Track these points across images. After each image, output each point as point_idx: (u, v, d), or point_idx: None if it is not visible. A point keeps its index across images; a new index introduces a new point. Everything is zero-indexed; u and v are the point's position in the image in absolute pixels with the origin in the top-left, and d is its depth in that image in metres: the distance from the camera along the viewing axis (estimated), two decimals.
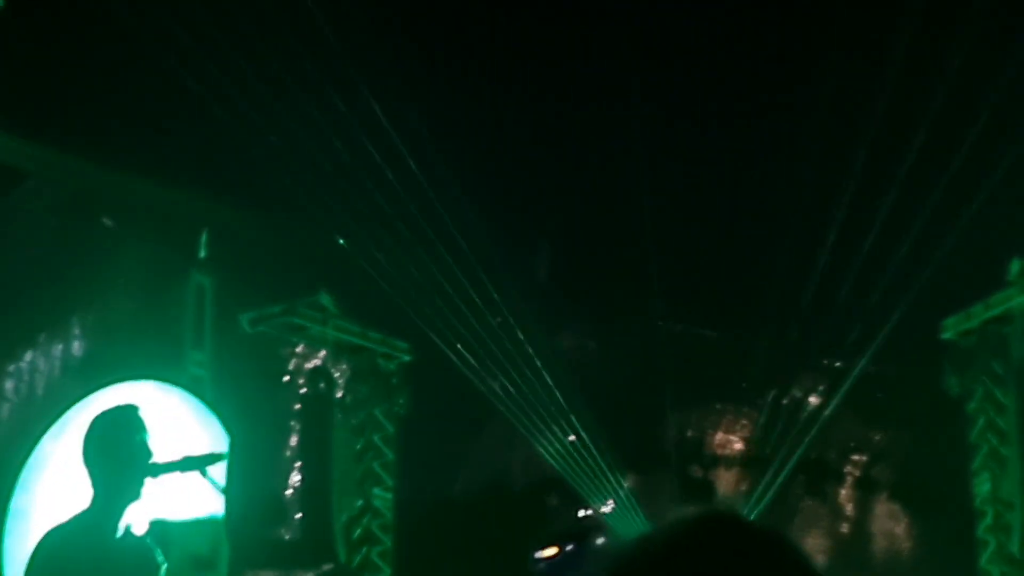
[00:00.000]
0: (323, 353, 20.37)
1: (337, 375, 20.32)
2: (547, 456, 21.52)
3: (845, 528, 26.28)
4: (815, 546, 26.83)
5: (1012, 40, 16.26)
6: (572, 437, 22.19)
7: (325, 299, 19.52)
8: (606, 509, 24.00)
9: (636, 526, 21.82)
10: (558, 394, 20.48)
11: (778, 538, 1.41)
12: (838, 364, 21.03)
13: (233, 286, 18.14)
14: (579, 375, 22.46)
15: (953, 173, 17.35)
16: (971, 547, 19.02)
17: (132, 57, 15.69)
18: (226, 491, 15.80)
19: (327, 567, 19.81)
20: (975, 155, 17.16)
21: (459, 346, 19.59)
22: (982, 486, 19.07)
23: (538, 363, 20.03)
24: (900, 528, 25.87)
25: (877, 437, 25.61)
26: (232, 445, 15.93)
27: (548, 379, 20.15)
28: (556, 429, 21.56)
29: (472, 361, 19.86)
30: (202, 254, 17.54)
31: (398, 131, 17.39)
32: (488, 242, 20.11)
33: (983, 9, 15.86)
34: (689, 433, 25.25)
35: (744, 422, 25.99)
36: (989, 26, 16.07)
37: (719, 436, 25.99)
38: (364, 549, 19.76)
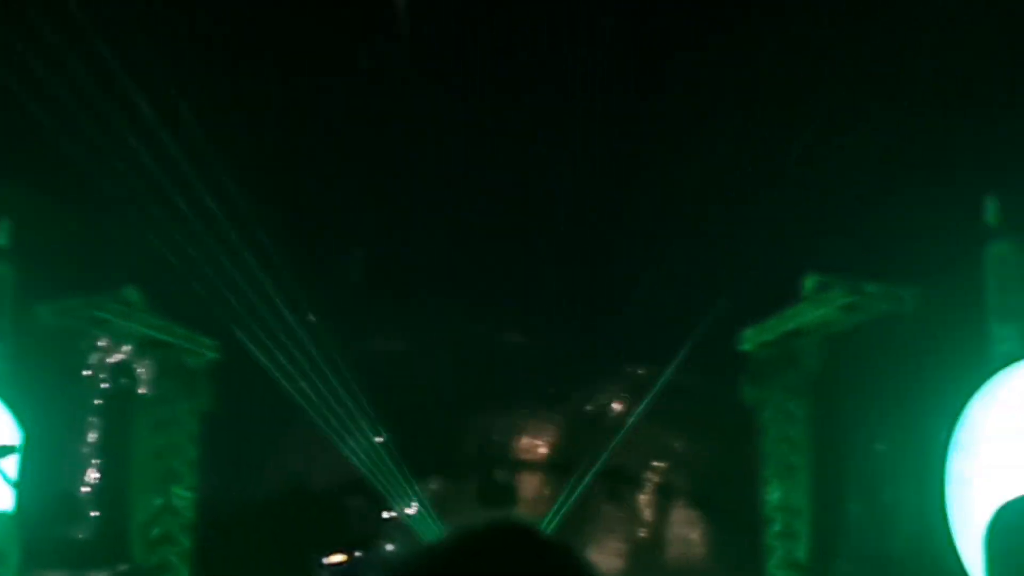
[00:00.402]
0: (127, 348, 19.84)
1: (140, 371, 19.81)
2: (353, 458, 21.43)
3: (643, 533, 26.93)
4: (614, 550, 27.40)
5: (803, 62, 16.93)
6: (379, 439, 22.16)
7: (131, 293, 19.02)
8: (410, 511, 24.04)
9: (436, 530, 21.94)
10: (365, 397, 20.42)
11: (566, 550, 1.41)
12: (641, 372, 21.55)
13: (35, 277, 17.51)
14: (387, 378, 22.46)
15: (754, 192, 18.00)
16: (760, 553, 19.68)
17: None
18: (18, 486, 15.25)
19: (122, 567, 19.27)
20: (774, 177, 17.83)
21: (267, 345, 19.37)
22: (772, 494, 19.72)
23: (346, 364, 19.94)
24: (695, 534, 26.65)
25: (677, 445, 26.35)
26: (26, 439, 15.41)
27: (356, 381, 20.08)
28: (363, 431, 21.49)
29: (280, 361, 19.65)
30: (2, 242, 16.88)
31: (207, 130, 17.12)
32: (300, 243, 19.96)
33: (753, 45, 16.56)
34: (495, 437, 25.51)
35: (549, 427, 26.41)
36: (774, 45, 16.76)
37: (524, 441, 26.33)
38: (162, 549, 19.30)
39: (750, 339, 20.03)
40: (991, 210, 15.12)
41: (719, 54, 18.05)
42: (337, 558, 16.83)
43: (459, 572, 1.33)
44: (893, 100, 16.64)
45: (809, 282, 19.19)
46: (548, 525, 21.52)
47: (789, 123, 17.52)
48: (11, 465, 15.12)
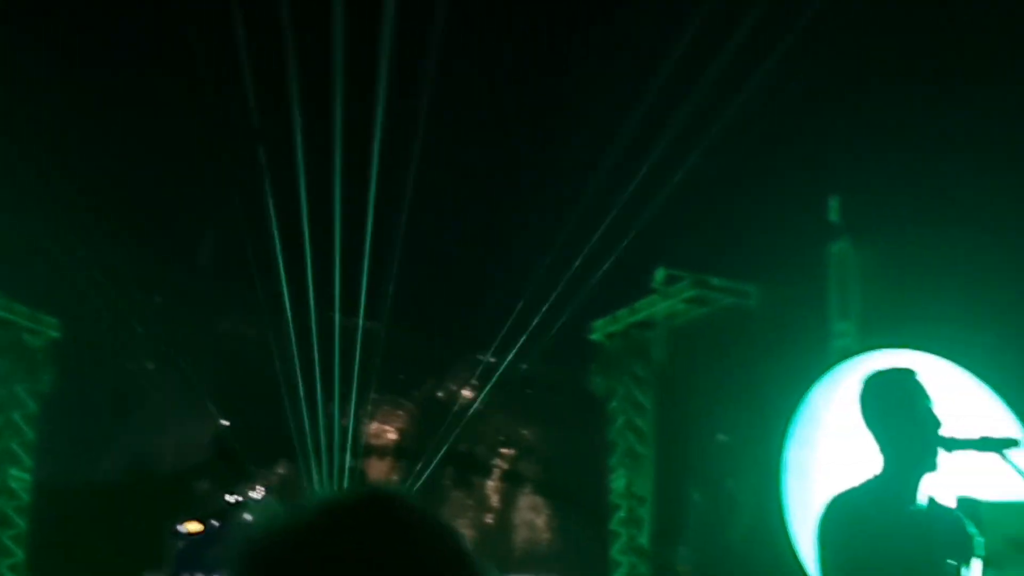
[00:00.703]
0: None
1: None
2: (198, 440, 21.10)
3: (491, 519, 27.14)
4: (463, 533, 27.50)
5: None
6: (225, 422, 21.87)
7: None
8: (255, 495, 23.77)
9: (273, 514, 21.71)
10: (212, 379, 20.12)
11: (433, 519, 1.39)
12: (492, 360, 21.66)
13: None
14: (236, 362, 22.16)
15: (605, 186, 18.24)
16: (604, 539, 20.02)
17: None
18: None
19: None
20: (625, 170, 18.10)
21: (112, 326, 18.93)
22: (618, 482, 20.07)
23: (194, 347, 19.63)
24: (541, 520, 26.97)
25: (525, 432, 26.60)
26: None
27: (203, 364, 19.78)
28: (209, 414, 21.18)
29: (125, 341, 19.22)
30: None
31: (57, 108, 16.66)
32: (149, 223, 19.54)
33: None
34: (343, 423, 25.39)
35: (399, 414, 26.40)
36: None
37: (373, 427, 26.26)
38: None
39: (599, 329, 20.33)
40: (834, 209, 15.60)
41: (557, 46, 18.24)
42: (193, 526, 16.47)
43: (321, 544, 1.28)
44: (740, 97, 17.01)
45: (658, 275, 19.57)
46: None
47: (638, 117, 17.79)
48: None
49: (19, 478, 19.13)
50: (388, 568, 1.28)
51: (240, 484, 22.60)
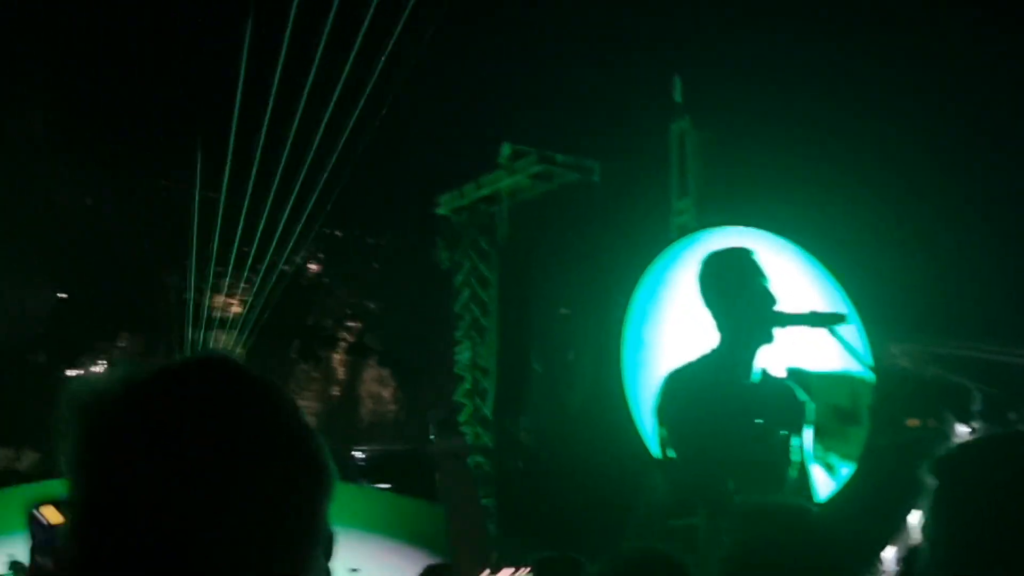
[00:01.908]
0: None
1: None
2: (34, 313, 20.64)
3: (337, 391, 27.30)
4: (307, 409, 27.49)
5: None
6: (63, 295, 21.41)
7: None
8: (97, 369, 23.43)
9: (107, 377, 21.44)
10: (49, 249, 19.62)
11: (266, 380, 1.37)
12: (338, 233, 21.60)
13: None
14: (75, 232, 21.61)
15: (457, 61, 18.17)
16: (450, 409, 20.35)
17: None
18: None
19: None
20: (476, 47, 18.05)
21: None
22: (463, 354, 20.34)
23: (27, 215, 19.06)
24: (387, 392, 27.24)
25: (372, 305, 26.68)
26: None
27: (39, 233, 19.24)
28: (47, 287, 20.69)
29: None
30: None
31: None
32: None
33: None
34: (187, 296, 25.06)
35: (244, 286, 26.15)
36: None
37: (218, 300, 25.99)
38: None
39: (445, 204, 20.37)
40: (676, 89, 15.82)
41: None
42: (54, 516, 16.00)
43: (150, 399, 1.30)
44: None
45: (504, 150, 19.63)
46: None
47: None
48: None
49: None
50: (217, 421, 1.31)
51: (80, 358, 22.27)
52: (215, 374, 1.35)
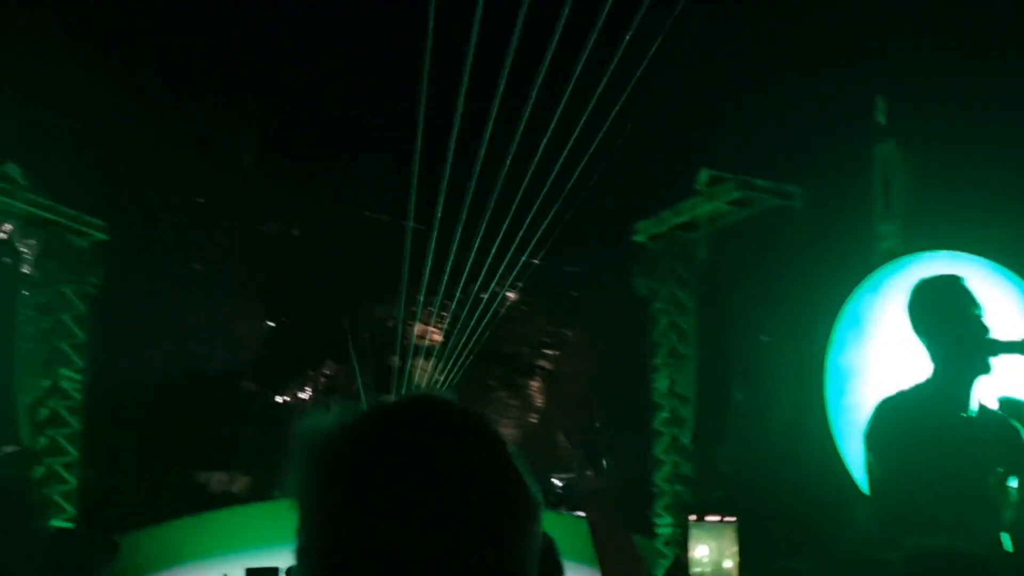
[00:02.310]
0: (8, 226, 19.39)
1: (24, 250, 19.39)
2: (245, 341, 21.35)
3: (534, 419, 27.40)
4: (506, 436, 27.79)
5: None
6: (272, 323, 22.09)
7: (13, 170, 18.51)
8: (303, 396, 24.12)
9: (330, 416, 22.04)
10: (259, 281, 20.28)
11: (482, 420, 1.49)
12: (535, 262, 21.68)
13: None
14: (282, 263, 22.30)
15: (647, 85, 18.06)
16: (648, 438, 20.15)
17: None
18: None
19: (9, 449, 19.09)
20: (672, 72, 17.90)
21: (159, 227, 19.06)
22: (661, 382, 20.17)
23: (239, 249, 19.75)
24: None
25: (569, 333, 26.72)
26: None
27: (249, 265, 19.92)
28: (256, 315, 21.39)
29: (172, 244, 19.38)
30: None
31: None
32: (191, 126, 19.55)
33: None
34: (390, 324, 25.58)
35: (444, 315, 26.55)
36: None
37: (419, 328, 26.46)
38: (50, 431, 19.14)
39: (643, 231, 20.28)
40: (881, 110, 15.36)
41: None
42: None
43: (379, 440, 1.41)
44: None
45: (702, 176, 19.46)
46: None
47: (686, 19, 17.53)
48: None
49: (70, 378, 19.46)
50: (435, 462, 1.40)
51: (288, 385, 22.89)
52: (431, 412, 1.46)
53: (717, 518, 18.66)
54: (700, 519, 18.68)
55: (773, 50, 16.97)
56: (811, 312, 17.24)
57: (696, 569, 18.35)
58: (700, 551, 18.60)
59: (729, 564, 18.43)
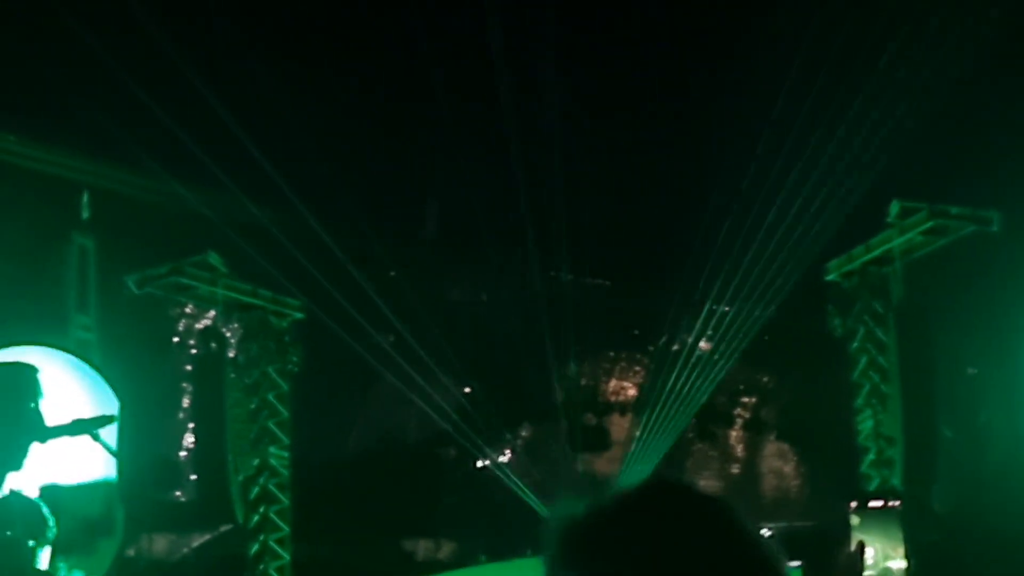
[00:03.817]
0: (213, 313, 20.19)
1: (228, 334, 20.14)
2: (441, 409, 21.61)
3: (736, 469, 26.90)
4: (707, 488, 27.31)
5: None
6: (466, 389, 22.33)
7: (214, 258, 19.30)
8: (503, 459, 24.24)
9: (533, 475, 22.12)
10: (449, 348, 20.54)
11: (721, 505, 1.55)
12: (725, 309, 21.40)
13: (117, 247, 17.84)
14: (472, 328, 22.57)
15: (833, 120, 17.74)
16: (854, 482, 19.58)
17: (6, 17, 15.32)
18: (118, 454, 15.68)
19: (225, 527, 19.72)
20: (854, 102, 17.54)
21: (351, 303, 19.53)
22: (865, 423, 19.61)
23: (428, 317, 20.07)
24: (788, 467, 26.56)
25: (765, 380, 26.22)
26: (122, 408, 15.76)
27: (439, 333, 20.20)
28: (449, 383, 21.66)
29: (364, 317, 19.82)
30: (84, 215, 17.20)
31: (281, 90, 17.23)
32: (376, 199, 20.04)
33: None
34: (583, 382, 25.56)
35: (636, 369, 26.39)
36: None
37: (612, 383, 26.35)
38: (262, 508, 19.70)
39: (835, 269, 19.86)
40: None
41: None
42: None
43: (623, 528, 1.47)
44: (972, 18, 16.26)
45: (892, 208, 18.99)
46: (641, 466, 21.59)
47: (866, 46, 17.22)
48: (111, 435, 15.46)
49: (278, 456, 20.04)
50: (677, 544, 1.47)
51: (487, 449, 23.05)
52: (671, 499, 1.53)
53: (880, 503, 17.34)
54: (862, 506, 17.29)
55: (959, 70, 16.47)
56: (1017, 340, 16.54)
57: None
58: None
59: (899, 565, 16.93)
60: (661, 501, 1.53)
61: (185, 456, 20.61)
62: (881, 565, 16.80)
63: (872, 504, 17.25)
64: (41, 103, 16.85)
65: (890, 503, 17.34)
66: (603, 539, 1.48)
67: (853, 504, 17.25)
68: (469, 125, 19.40)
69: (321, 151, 18.06)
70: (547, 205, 20.09)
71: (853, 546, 15.93)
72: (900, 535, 16.86)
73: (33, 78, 16.38)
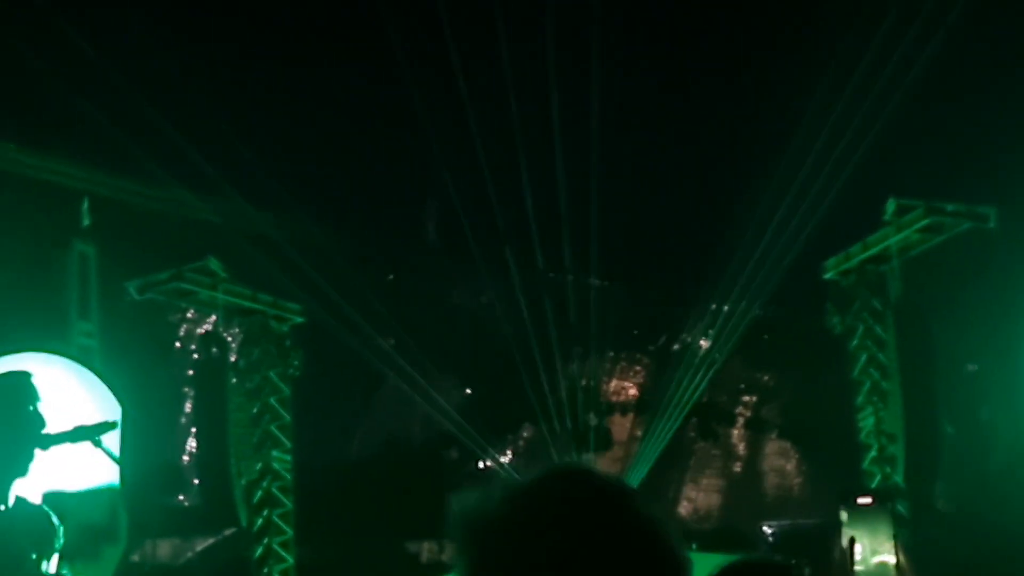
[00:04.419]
0: (213, 318, 20.23)
1: (229, 339, 20.18)
2: (443, 411, 21.66)
3: (738, 468, 26.95)
4: (712, 486, 27.44)
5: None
6: (468, 391, 22.37)
7: (214, 264, 19.33)
8: (504, 460, 24.29)
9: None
10: (450, 350, 20.59)
11: (620, 490, 1.53)
12: (725, 308, 21.44)
13: (118, 254, 17.89)
14: (472, 330, 22.62)
15: (831, 119, 17.80)
16: (855, 479, 19.61)
17: (4, 27, 15.37)
18: (120, 460, 15.70)
19: (229, 531, 19.76)
20: (850, 101, 17.60)
21: (351, 306, 19.58)
22: (866, 420, 19.63)
23: (429, 320, 20.13)
24: (790, 465, 26.61)
25: (766, 378, 26.27)
26: (124, 414, 15.81)
27: (440, 336, 20.26)
28: (451, 385, 21.70)
29: (365, 321, 19.86)
30: (84, 223, 17.24)
31: (281, 95, 17.30)
32: (376, 201, 20.08)
33: None
34: (583, 382, 25.59)
35: (637, 369, 26.45)
36: None
37: (613, 384, 26.40)
38: (265, 512, 19.73)
39: (832, 268, 19.89)
40: None
41: None
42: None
43: (527, 511, 1.48)
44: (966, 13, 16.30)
45: (889, 206, 19.03)
46: (642, 466, 21.65)
47: (859, 44, 17.27)
48: (113, 441, 15.50)
49: (281, 459, 20.06)
50: (576, 527, 1.47)
51: (489, 451, 23.07)
52: (572, 485, 1.52)
53: (869, 500, 17.26)
54: (852, 502, 17.18)
55: (955, 63, 16.52)
56: (1016, 336, 16.57)
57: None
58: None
59: (888, 560, 16.76)
60: (554, 487, 1.52)
61: (188, 461, 20.67)
62: (870, 560, 16.77)
63: (860, 501, 17.21)
64: (41, 111, 16.88)
65: (876, 501, 17.29)
66: (493, 527, 1.50)
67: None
68: (469, 125, 19.46)
69: (320, 154, 18.13)
70: (547, 205, 20.14)
71: (844, 542, 15.99)
72: (889, 531, 16.85)
73: (34, 86, 16.43)
